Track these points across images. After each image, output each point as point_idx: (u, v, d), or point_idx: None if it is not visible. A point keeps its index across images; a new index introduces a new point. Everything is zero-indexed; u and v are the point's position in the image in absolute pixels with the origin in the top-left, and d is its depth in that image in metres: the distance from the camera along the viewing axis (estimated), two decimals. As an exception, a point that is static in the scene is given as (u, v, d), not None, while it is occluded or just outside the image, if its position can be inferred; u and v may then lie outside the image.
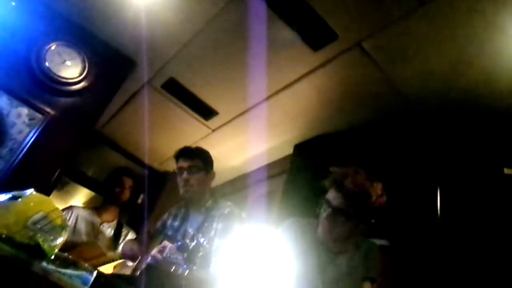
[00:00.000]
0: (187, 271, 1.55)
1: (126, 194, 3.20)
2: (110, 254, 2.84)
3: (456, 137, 2.44)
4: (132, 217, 3.35)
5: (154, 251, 1.81)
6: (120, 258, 2.59)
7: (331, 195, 1.81)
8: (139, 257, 2.12)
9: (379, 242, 2.51)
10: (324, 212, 1.82)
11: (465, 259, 2.08)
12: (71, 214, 2.95)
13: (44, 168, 2.55)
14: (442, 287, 2.07)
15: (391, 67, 2.30)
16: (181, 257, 1.63)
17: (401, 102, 2.46)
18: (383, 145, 2.59)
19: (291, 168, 2.95)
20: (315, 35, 2.26)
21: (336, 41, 2.24)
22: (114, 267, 2.61)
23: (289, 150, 3.04)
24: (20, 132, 2.54)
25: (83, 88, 2.73)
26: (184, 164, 2.25)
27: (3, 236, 0.94)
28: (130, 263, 2.49)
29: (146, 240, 2.41)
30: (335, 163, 2.67)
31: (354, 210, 1.76)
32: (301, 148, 3.01)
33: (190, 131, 3.22)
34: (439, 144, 2.47)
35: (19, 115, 2.56)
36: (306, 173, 2.83)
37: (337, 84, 2.54)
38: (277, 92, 2.72)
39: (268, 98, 2.78)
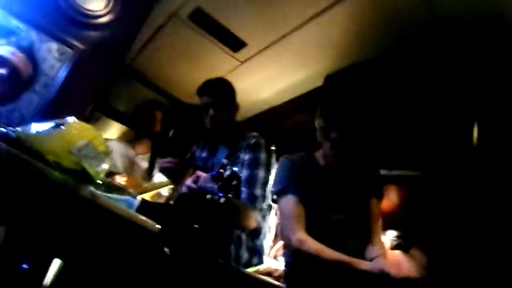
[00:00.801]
0: (223, 199, 1.59)
1: (157, 127, 3.27)
2: (145, 184, 2.96)
3: (496, 66, 2.32)
4: (165, 149, 3.42)
5: (188, 181, 1.85)
6: (155, 188, 2.71)
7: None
8: (177, 170, 2.19)
9: (411, 173, 2.52)
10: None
11: (499, 193, 2.05)
12: (106, 147, 3.04)
13: (77, 102, 2.61)
14: (475, 219, 2.07)
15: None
16: (216, 186, 1.67)
17: (438, 22, 2.31)
18: (418, 73, 2.49)
19: (321, 100, 2.90)
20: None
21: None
22: (150, 197, 2.72)
23: (319, 82, 2.98)
24: (52, 67, 2.57)
25: (110, 21, 2.71)
26: (208, 99, 2.26)
27: (52, 162, 0.97)
28: (164, 193, 2.58)
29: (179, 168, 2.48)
30: (367, 93, 2.62)
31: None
32: (332, 79, 2.94)
33: (219, 64, 3.17)
34: (478, 72, 2.36)
35: (49, 50, 2.58)
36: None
37: (370, 10, 2.40)
38: (307, 22, 2.60)
39: (298, 27, 2.67)
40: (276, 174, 2.02)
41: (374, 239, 1.83)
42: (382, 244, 1.90)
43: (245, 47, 2.97)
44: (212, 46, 3.03)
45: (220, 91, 2.31)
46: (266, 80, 3.19)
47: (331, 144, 1.88)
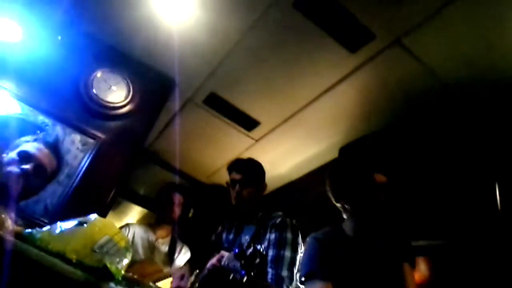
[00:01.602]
0: (245, 277, 1.56)
1: (176, 212, 3.23)
2: (166, 270, 2.92)
3: (508, 125, 2.33)
4: (185, 231, 3.41)
5: (212, 260, 1.83)
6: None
7: None
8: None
9: (434, 242, 2.44)
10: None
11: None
12: (128, 231, 3.04)
13: (99, 190, 2.67)
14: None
15: (433, 59, 2.24)
16: (239, 264, 1.65)
17: (447, 92, 2.38)
18: (433, 141, 2.51)
19: (336, 172, 2.91)
20: (351, 37, 2.24)
21: (374, 41, 2.21)
22: (171, 282, 2.67)
23: (334, 154, 3.02)
24: (75, 157, 2.68)
25: (130, 111, 2.85)
26: (236, 176, 2.29)
27: (74, 260, 0.99)
28: (186, 278, 2.54)
29: (200, 257, 2.47)
30: (382, 162, 2.63)
31: None
32: (346, 151, 2.97)
33: (234, 143, 3.26)
34: (493, 137, 2.37)
35: (72, 142, 2.70)
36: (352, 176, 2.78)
37: (378, 83, 2.50)
38: (317, 97, 2.71)
39: (308, 104, 2.78)
40: (303, 255, 1.94)
41: None
42: None
43: (259, 126, 3.07)
44: (227, 127, 3.15)
45: (249, 168, 2.35)
46: (281, 156, 3.26)
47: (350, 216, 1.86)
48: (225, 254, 1.83)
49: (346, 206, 1.88)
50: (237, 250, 1.90)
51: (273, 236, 2.11)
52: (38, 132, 2.58)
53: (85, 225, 1.06)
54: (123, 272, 1.04)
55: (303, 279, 1.87)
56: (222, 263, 1.76)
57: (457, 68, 2.26)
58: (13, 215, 1.54)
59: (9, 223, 1.40)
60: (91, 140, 2.76)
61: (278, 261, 2.03)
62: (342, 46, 2.29)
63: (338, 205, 1.94)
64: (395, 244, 1.88)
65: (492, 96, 2.32)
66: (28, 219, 2.31)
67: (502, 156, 2.28)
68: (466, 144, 2.44)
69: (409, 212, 2.46)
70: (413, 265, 1.86)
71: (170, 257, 3.07)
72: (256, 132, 3.15)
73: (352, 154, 2.90)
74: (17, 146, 1.79)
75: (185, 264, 2.56)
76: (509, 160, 2.25)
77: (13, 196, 1.65)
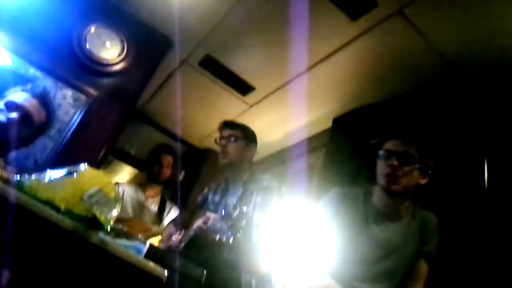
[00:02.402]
0: (232, 238, 1.58)
1: (166, 173, 3.24)
2: (155, 228, 2.95)
3: (502, 105, 2.33)
4: (175, 192, 3.44)
5: (198, 222, 1.85)
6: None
7: (391, 144, 1.72)
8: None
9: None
10: (382, 161, 1.72)
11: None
12: (117, 190, 3.05)
13: (90, 147, 2.66)
14: (489, 261, 2.01)
15: (433, 31, 2.21)
16: (225, 226, 1.67)
17: (445, 68, 2.36)
18: (426, 115, 2.51)
19: (330, 142, 2.92)
20: (353, 4, 2.20)
21: (376, 9, 2.17)
22: (159, 241, 2.71)
23: (328, 124, 3.01)
24: (67, 113, 2.65)
25: (123, 69, 2.80)
26: (225, 133, 2.30)
27: (63, 209, 0.99)
28: (174, 237, 2.57)
29: (187, 217, 2.49)
30: (375, 135, 2.63)
31: (420, 152, 1.66)
32: (340, 121, 2.97)
33: (228, 108, 3.24)
34: (485, 112, 2.37)
35: (64, 97, 2.66)
36: (345, 146, 2.80)
37: (377, 53, 2.47)
38: (315, 65, 2.68)
39: (305, 71, 2.75)
40: (321, 204, 1.87)
41: None
42: None
43: (254, 91, 3.05)
44: (222, 91, 3.12)
45: (238, 127, 2.36)
46: (274, 123, 3.24)
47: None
48: (211, 215, 1.85)
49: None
50: (223, 212, 1.92)
51: (259, 199, 2.12)
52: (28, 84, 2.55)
53: (74, 174, 1.06)
54: (112, 222, 1.04)
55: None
56: (209, 224, 1.78)
57: (456, 43, 2.23)
58: (1, 161, 1.53)
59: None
60: (83, 96, 2.72)
61: (263, 224, 2.05)
62: (344, 13, 2.25)
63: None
64: (417, 234, 1.76)
65: (488, 74, 2.31)
66: (18, 173, 2.31)
67: (493, 134, 2.30)
68: (459, 119, 2.45)
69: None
70: (430, 260, 1.73)
71: (159, 216, 3.10)
72: (251, 98, 3.12)
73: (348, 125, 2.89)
74: (5, 97, 1.77)
75: (170, 222, 2.58)
76: (499, 138, 2.27)
77: (2, 143, 1.64)
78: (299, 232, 1.98)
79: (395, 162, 1.67)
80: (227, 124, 2.36)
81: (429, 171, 1.72)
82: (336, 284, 1.60)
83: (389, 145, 1.73)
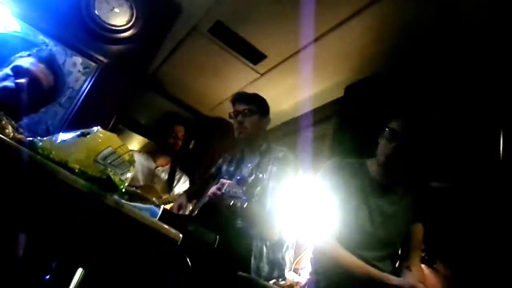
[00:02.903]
0: (246, 203, 1.58)
1: (178, 144, 3.26)
2: (165, 196, 2.98)
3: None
4: (185, 161, 3.44)
5: (213, 188, 1.84)
6: (174, 200, 2.72)
7: (396, 124, 1.77)
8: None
9: (438, 184, 2.45)
10: (385, 141, 1.78)
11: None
12: (128, 158, 3.07)
13: (101, 114, 2.66)
14: (503, 230, 2.00)
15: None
16: (240, 191, 1.66)
17: (460, 34, 2.28)
18: (440, 83, 2.45)
19: (342, 111, 2.88)
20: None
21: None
22: (170, 208, 2.73)
23: (340, 93, 2.96)
24: (77, 80, 2.64)
25: (132, 35, 2.76)
26: (239, 107, 2.28)
27: (77, 170, 0.98)
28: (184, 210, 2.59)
29: (199, 187, 2.50)
30: (387, 105, 2.58)
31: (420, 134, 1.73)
32: (352, 90, 2.92)
33: (239, 76, 3.19)
34: (503, 85, 2.31)
35: (74, 64, 2.64)
36: (357, 115, 2.76)
37: (389, 21, 2.39)
38: (326, 33, 2.61)
39: (317, 39, 2.68)
40: (319, 174, 1.93)
41: (413, 265, 1.75)
42: (421, 271, 1.81)
43: (265, 59, 2.99)
44: (232, 59, 3.06)
45: (252, 99, 2.33)
46: (286, 91, 3.20)
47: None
48: (226, 181, 1.85)
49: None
50: (240, 178, 1.91)
51: (274, 169, 2.12)
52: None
53: (87, 136, 1.04)
54: (126, 184, 1.03)
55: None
56: (223, 190, 1.77)
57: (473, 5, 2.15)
58: (14, 123, 1.52)
59: (10, 130, 1.39)
60: (92, 63, 2.70)
61: (277, 192, 2.05)
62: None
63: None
64: (413, 200, 1.86)
65: (507, 41, 2.23)
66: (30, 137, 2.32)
67: (508, 104, 2.24)
68: (474, 89, 2.39)
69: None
70: (425, 225, 1.85)
71: (169, 184, 3.12)
72: (262, 66, 3.06)
73: (359, 93, 2.84)
74: (12, 62, 1.75)
75: (182, 194, 2.60)
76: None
77: (13, 110, 1.63)
78: (306, 201, 2.00)
79: (398, 143, 1.73)
80: (241, 98, 2.33)
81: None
82: (340, 246, 1.67)
83: (394, 124, 1.78)
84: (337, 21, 2.51)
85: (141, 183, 3.01)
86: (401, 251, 1.83)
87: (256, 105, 2.31)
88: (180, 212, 2.23)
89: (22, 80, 1.67)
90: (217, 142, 3.55)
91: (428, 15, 2.24)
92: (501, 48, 2.26)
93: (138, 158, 3.11)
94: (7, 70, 1.71)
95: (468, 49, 2.35)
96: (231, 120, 2.33)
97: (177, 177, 3.24)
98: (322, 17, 2.51)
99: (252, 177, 1.62)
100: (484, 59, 2.34)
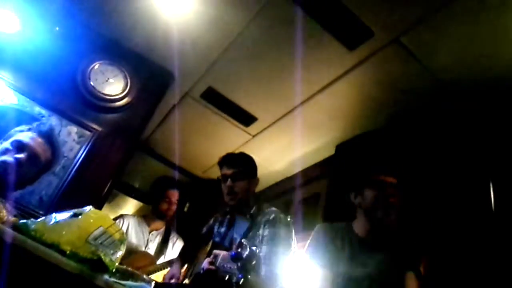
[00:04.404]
0: (242, 280, 1.56)
1: (172, 208, 3.22)
2: (159, 263, 2.93)
3: (506, 126, 2.34)
4: (181, 224, 3.41)
5: (205, 262, 1.82)
6: (168, 266, 2.68)
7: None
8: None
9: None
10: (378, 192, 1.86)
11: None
12: (122, 222, 3.05)
13: (95, 182, 2.67)
14: (498, 285, 1.98)
15: (431, 59, 2.25)
16: (235, 266, 1.64)
17: (445, 93, 2.39)
18: (429, 140, 2.52)
19: (333, 169, 2.93)
20: (350, 34, 2.25)
21: (372, 39, 2.21)
22: (163, 278, 2.68)
23: (331, 151, 3.02)
24: (71, 149, 2.67)
25: (127, 104, 2.84)
26: (227, 171, 2.27)
27: (68, 252, 0.99)
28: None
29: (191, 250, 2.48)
30: (377, 161, 2.62)
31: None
32: (342, 148, 2.98)
33: (231, 138, 3.27)
34: (489, 137, 2.37)
35: (69, 134, 2.69)
36: (349, 173, 2.80)
37: (375, 81, 2.50)
38: (315, 94, 2.71)
39: (306, 100, 2.78)
40: (310, 241, 1.98)
41: None
42: None
43: (256, 121, 3.07)
44: (224, 122, 3.15)
45: (240, 162, 2.34)
46: (278, 152, 3.26)
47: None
48: (220, 253, 1.83)
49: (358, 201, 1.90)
50: (234, 254, 1.89)
51: (266, 232, 2.10)
52: (33, 123, 2.58)
53: (79, 216, 1.06)
54: (117, 264, 1.04)
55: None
56: (217, 264, 1.75)
57: (454, 68, 2.27)
58: (8, 205, 1.53)
59: (5, 213, 1.40)
60: (87, 132, 2.75)
61: (271, 257, 2.02)
62: (341, 43, 2.29)
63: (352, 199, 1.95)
64: (403, 251, 1.89)
65: (488, 96, 2.33)
66: (23, 210, 2.31)
67: (497, 155, 2.29)
68: (461, 143, 2.45)
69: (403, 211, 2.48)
70: (418, 273, 1.85)
71: (163, 248, 3.09)
72: (253, 128, 3.15)
73: (351, 152, 2.90)
74: (11, 136, 1.78)
75: (175, 260, 2.55)
76: (504, 160, 2.26)
77: (8, 186, 1.64)
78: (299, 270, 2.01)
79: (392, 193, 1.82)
80: (228, 161, 2.32)
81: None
82: None
83: (382, 176, 1.89)
84: (324, 83, 2.62)
85: (135, 247, 2.97)
86: None
87: (243, 167, 2.31)
88: (172, 281, 2.19)
89: (21, 155, 1.69)
90: (211, 204, 3.55)
91: (415, 74, 2.35)
92: (487, 102, 2.35)
93: (132, 222, 3.09)
94: (7, 144, 1.73)
95: (457, 104, 2.44)
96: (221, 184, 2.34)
97: (172, 240, 3.21)
98: (309, 79, 2.62)
99: (247, 251, 1.61)
100: (473, 113, 2.42)
